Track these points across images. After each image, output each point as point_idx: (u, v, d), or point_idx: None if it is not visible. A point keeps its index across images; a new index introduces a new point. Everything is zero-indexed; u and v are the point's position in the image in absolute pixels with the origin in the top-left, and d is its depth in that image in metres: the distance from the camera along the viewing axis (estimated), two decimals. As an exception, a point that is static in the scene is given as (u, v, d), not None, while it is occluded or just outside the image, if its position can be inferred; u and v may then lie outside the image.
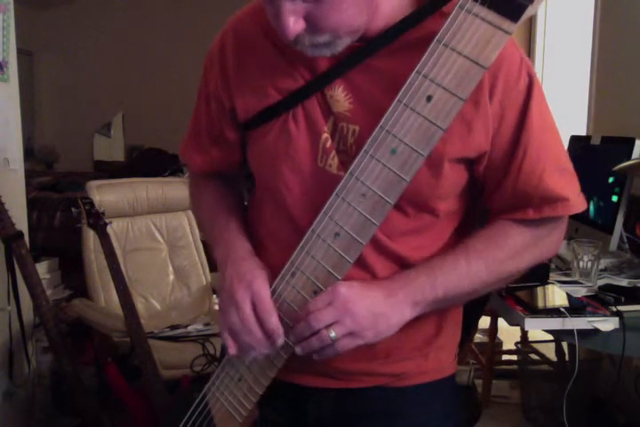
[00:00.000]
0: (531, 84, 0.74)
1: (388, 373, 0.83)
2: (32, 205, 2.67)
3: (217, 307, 2.67)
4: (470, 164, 0.77)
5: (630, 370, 1.93)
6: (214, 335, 2.11)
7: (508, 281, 0.84)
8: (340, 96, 0.75)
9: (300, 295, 0.74)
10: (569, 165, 0.79)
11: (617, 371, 1.38)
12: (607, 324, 1.26)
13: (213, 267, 2.62)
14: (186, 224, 2.60)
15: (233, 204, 0.93)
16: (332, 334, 0.69)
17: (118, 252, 2.14)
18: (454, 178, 0.76)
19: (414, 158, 0.67)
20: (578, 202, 0.78)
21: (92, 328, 2.03)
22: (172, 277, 2.50)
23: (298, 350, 0.72)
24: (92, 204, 1.93)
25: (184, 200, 2.60)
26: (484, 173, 0.78)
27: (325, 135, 0.76)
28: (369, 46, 0.73)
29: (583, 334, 1.26)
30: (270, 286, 0.76)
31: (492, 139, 0.74)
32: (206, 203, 0.95)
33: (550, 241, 0.82)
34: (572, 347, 1.73)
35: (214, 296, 2.65)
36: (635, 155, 1.62)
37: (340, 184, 0.71)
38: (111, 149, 6.22)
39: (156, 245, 2.50)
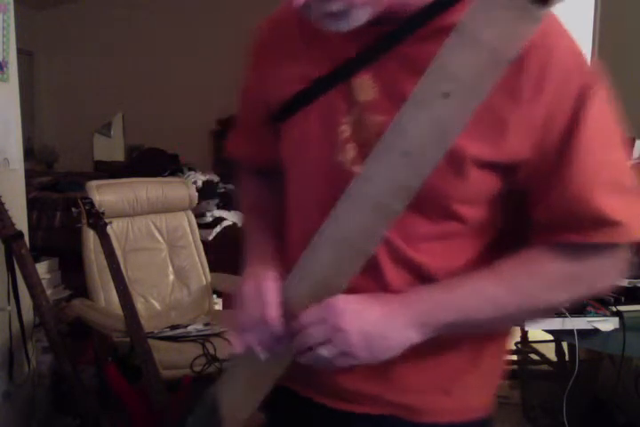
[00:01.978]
0: (590, 84, 0.63)
1: (400, 403, 0.74)
2: (32, 205, 2.66)
3: (217, 307, 2.67)
4: (505, 171, 0.66)
5: (630, 370, 1.93)
6: (214, 335, 2.11)
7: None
8: (366, 84, 0.68)
9: (303, 302, 0.69)
10: (632, 186, 0.66)
11: (617, 371, 1.38)
12: (607, 324, 1.26)
13: (213, 267, 2.63)
14: (186, 224, 2.60)
15: (271, 205, 0.87)
16: (324, 353, 0.65)
17: (118, 252, 2.14)
18: (483, 184, 0.67)
19: (425, 162, 0.60)
20: (635, 228, 0.65)
21: (92, 328, 2.03)
22: (171, 277, 2.50)
23: (299, 359, 0.69)
24: (92, 204, 1.93)
25: (184, 200, 2.60)
26: (524, 184, 0.67)
27: (344, 127, 0.70)
28: (399, 31, 0.66)
29: (583, 333, 1.26)
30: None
31: (535, 145, 0.64)
32: (246, 204, 0.92)
33: (599, 275, 0.68)
34: (571, 347, 1.73)
35: (214, 296, 2.65)
36: (635, 155, 1.62)
37: (350, 185, 0.65)
38: (111, 149, 6.22)
39: (156, 245, 2.50)
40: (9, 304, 1.84)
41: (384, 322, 0.65)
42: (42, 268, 2.37)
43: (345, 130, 0.70)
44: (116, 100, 6.04)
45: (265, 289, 0.72)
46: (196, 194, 2.67)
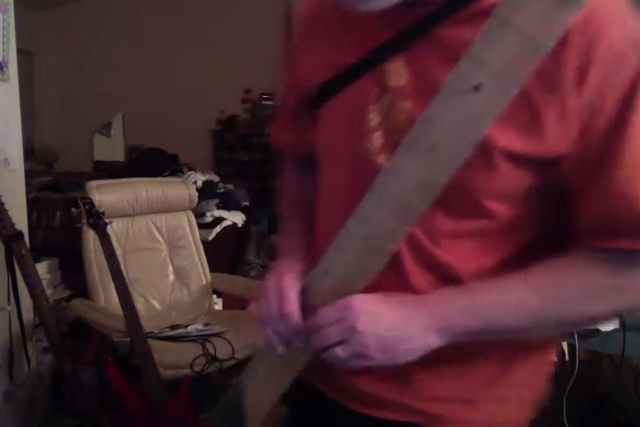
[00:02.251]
0: None
1: (421, 410, 0.71)
2: (32, 205, 2.67)
3: (217, 307, 2.67)
4: (539, 166, 0.61)
5: (630, 370, 1.93)
6: (214, 335, 2.11)
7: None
8: (398, 69, 0.65)
9: (324, 299, 0.67)
10: None
11: (617, 371, 1.38)
12: (607, 324, 1.26)
13: (213, 267, 2.63)
14: (186, 224, 2.60)
15: (309, 198, 0.84)
16: (340, 353, 0.63)
17: (118, 252, 2.14)
18: (514, 178, 0.61)
19: (453, 157, 0.57)
20: None
21: (92, 328, 2.03)
22: (172, 277, 2.50)
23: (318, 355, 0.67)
24: (92, 204, 1.93)
25: (184, 200, 2.60)
26: (562, 181, 0.61)
27: (373, 114, 0.67)
28: (435, 13, 0.62)
29: (583, 334, 1.26)
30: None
31: (576, 138, 0.58)
32: (284, 196, 0.91)
33: None
34: (571, 347, 1.73)
35: (214, 296, 2.65)
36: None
37: (377, 179, 0.62)
38: (111, 149, 6.23)
39: (156, 245, 2.50)
40: (9, 304, 1.84)
41: (402, 324, 0.62)
42: (42, 268, 2.37)
43: (373, 117, 0.67)
44: (116, 100, 6.05)
45: (285, 285, 0.71)
46: (196, 194, 2.67)
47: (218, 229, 3.46)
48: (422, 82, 0.63)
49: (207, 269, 2.59)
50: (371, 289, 0.65)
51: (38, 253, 2.43)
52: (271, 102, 6.16)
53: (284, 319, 0.69)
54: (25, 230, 1.92)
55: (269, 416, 0.80)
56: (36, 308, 1.81)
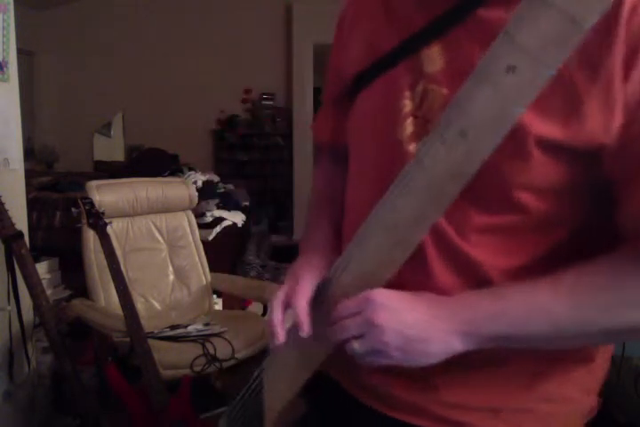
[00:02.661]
0: None
1: (444, 417, 0.68)
2: (32, 205, 2.67)
3: (217, 307, 2.67)
4: (577, 157, 0.56)
5: (630, 370, 1.93)
6: (214, 335, 2.11)
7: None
8: (435, 55, 0.63)
9: (346, 291, 0.65)
10: None
11: (617, 371, 1.38)
12: None
13: (213, 267, 2.63)
14: (186, 224, 2.60)
15: (338, 193, 0.82)
16: (357, 347, 0.61)
17: (118, 252, 2.14)
18: (548, 168, 0.57)
19: (483, 144, 0.53)
20: None
21: (92, 328, 2.03)
22: (172, 277, 2.50)
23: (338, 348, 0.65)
24: (92, 204, 1.93)
25: (184, 200, 2.60)
26: (604, 175, 0.57)
27: (406, 100, 0.65)
28: None
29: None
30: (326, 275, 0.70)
31: (620, 129, 0.53)
32: (315, 190, 0.90)
33: None
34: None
35: (214, 296, 2.65)
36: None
37: (405, 167, 0.59)
38: (111, 149, 6.23)
39: (156, 245, 2.50)
40: (9, 304, 1.84)
41: (424, 324, 0.59)
42: (42, 268, 2.37)
43: (406, 104, 0.64)
44: (116, 100, 6.05)
45: (300, 288, 0.69)
46: (196, 194, 2.67)
47: (218, 229, 3.46)
48: (458, 67, 0.60)
49: (207, 269, 2.59)
50: (393, 283, 0.63)
51: (38, 253, 2.43)
52: (271, 102, 6.16)
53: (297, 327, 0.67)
54: (25, 230, 1.92)
55: (287, 411, 0.78)
56: (36, 308, 1.81)
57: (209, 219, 3.48)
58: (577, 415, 0.70)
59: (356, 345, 0.60)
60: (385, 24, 0.69)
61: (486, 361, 0.63)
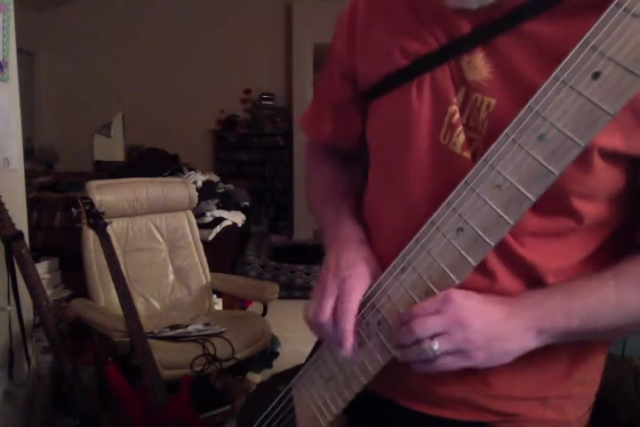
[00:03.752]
0: None
1: (494, 409, 0.69)
2: (32, 205, 2.66)
3: (217, 307, 2.67)
4: (637, 165, 0.58)
5: (630, 370, 1.93)
6: (214, 335, 2.11)
7: None
8: (479, 63, 0.62)
9: (408, 295, 0.63)
10: None
11: (617, 371, 1.38)
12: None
13: (213, 267, 2.63)
14: (186, 224, 2.60)
15: (348, 187, 0.82)
16: (435, 347, 0.58)
17: (118, 252, 2.15)
18: (608, 177, 0.59)
19: (567, 147, 0.53)
20: None
21: (92, 328, 2.03)
22: (172, 277, 2.50)
23: (398, 355, 0.62)
24: (92, 204, 1.93)
25: (184, 200, 2.60)
26: None
27: (454, 107, 0.64)
28: (527, 6, 0.59)
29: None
30: (375, 281, 0.67)
31: None
32: (320, 183, 0.87)
33: None
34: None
35: (214, 296, 2.65)
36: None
37: (471, 171, 0.58)
38: (111, 149, 6.23)
39: (156, 245, 2.50)
40: (9, 304, 1.84)
41: (504, 323, 0.59)
42: (42, 268, 2.37)
43: (454, 111, 0.64)
44: (116, 100, 6.05)
45: (349, 290, 0.66)
46: (196, 194, 2.67)
47: (218, 229, 3.46)
48: (507, 77, 0.61)
49: (207, 269, 2.59)
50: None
51: (38, 253, 2.43)
52: (271, 102, 6.16)
53: (336, 324, 0.65)
54: (25, 230, 1.92)
55: (330, 424, 0.72)
56: (36, 308, 1.82)
57: (209, 219, 3.48)
58: (594, 395, 0.75)
59: (435, 345, 0.58)
60: (416, 26, 0.67)
61: (531, 352, 0.62)
